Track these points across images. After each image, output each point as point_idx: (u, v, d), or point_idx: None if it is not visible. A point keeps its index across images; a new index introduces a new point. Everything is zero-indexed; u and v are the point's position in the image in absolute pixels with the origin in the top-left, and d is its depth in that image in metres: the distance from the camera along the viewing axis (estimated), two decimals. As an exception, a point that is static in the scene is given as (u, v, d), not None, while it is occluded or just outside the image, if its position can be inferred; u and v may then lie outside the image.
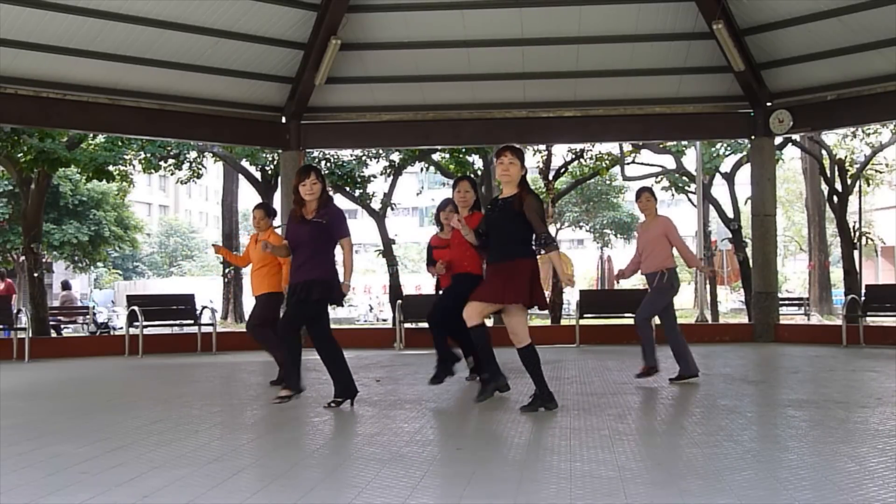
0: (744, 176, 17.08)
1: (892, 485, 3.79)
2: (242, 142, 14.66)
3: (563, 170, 20.51)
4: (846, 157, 21.48)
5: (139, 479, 4.04)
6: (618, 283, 8.25)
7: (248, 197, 30.38)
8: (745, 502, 3.55)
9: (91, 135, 15.56)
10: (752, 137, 13.13)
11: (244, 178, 20.50)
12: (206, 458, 4.58)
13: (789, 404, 6.37)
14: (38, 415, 6.38)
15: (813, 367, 9.13)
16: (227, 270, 24.96)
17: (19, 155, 14.92)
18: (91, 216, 27.56)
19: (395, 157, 18.73)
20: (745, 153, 18.60)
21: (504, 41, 12.36)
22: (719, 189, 22.49)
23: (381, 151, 18.57)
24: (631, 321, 13.43)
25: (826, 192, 21.73)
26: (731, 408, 6.22)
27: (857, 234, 22.06)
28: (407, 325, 12.56)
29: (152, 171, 19.23)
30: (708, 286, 22.02)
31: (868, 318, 12.79)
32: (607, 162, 20.64)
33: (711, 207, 21.17)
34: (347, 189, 18.83)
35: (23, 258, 17.74)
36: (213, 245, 9.06)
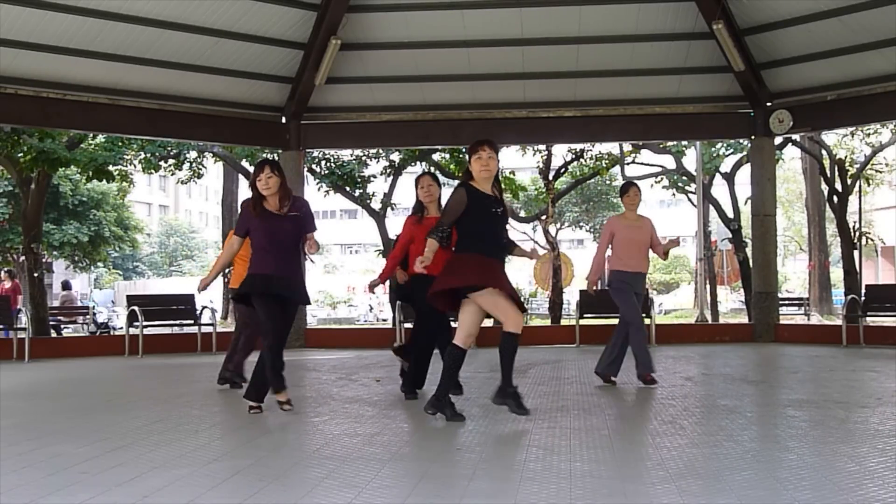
0: (744, 176, 17.07)
1: (892, 485, 3.79)
2: (242, 142, 14.66)
3: (563, 170, 20.50)
4: (846, 157, 21.48)
5: (139, 479, 4.04)
6: (594, 292, 8.05)
7: (247, 197, 30.41)
8: (745, 502, 3.55)
9: (91, 135, 15.56)
10: (752, 137, 13.13)
11: (244, 178, 20.48)
12: (206, 458, 4.58)
13: (789, 404, 6.37)
14: (38, 415, 6.38)
15: (813, 367, 9.13)
16: (227, 270, 24.95)
17: (19, 155, 14.92)
18: (91, 216, 27.56)
19: (395, 157, 18.73)
20: (745, 153, 18.60)
21: (504, 41, 12.36)
22: (719, 189, 22.49)
23: (381, 151, 18.57)
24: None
25: (826, 192, 21.72)
26: (731, 408, 6.22)
27: (857, 234, 22.05)
28: (407, 325, 12.55)
29: (152, 171, 19.22)
30: (708, 286, 22.03)
31: (868, 318, 12.80)
32: (607, 162, 20.64)
33: (711, 207, 21.16)
34: (347, 189, 18.83)
35: (23, 258, 17.72)
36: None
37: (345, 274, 53.90)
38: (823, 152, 20.96)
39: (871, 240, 27.22)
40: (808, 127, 13.65)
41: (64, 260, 29.72)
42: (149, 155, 18.05)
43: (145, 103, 11.95)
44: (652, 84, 12.89)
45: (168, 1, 10.92)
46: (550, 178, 19.26)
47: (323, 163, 18.55)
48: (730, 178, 20.62)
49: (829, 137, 22.18)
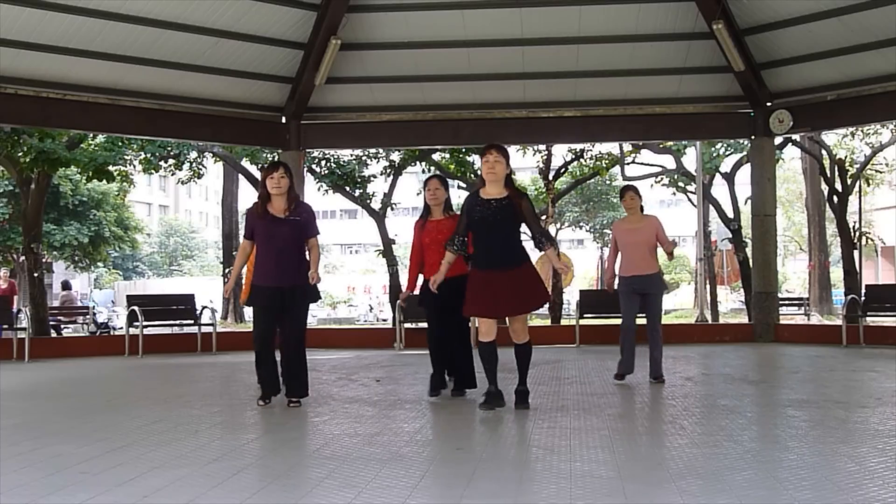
0: (744, 176, 17.07)
1: (892, 485, 3.79)
2: (242, 142, 14.66)
3: (563, 170, 20.51)
4: (846, 157, 21.48)
5: (139, 479, 4.04)
6: (612, 291, 8.06)
7: (248, 197, 30.40)
8: (745, 502, 3.55)
9: (91, 135, 15.55)
10: (752, 137, 13.12)
11: (244, 178, 20.52)
12: (206, 458, 4.58)
13: (789, 404, 6.37)
14: (38, 415, 6.38)
15: (813, 367, 9.13)
16: (227, 270, 24.95)
17: (19, 155, 14.92)
18: (91, 216, 27.57)
19: (395, 157, 18.73)
20: (745, 153, 18.60)
21: (504, 41, 12.35)
22: (719, 189, 22.49)
23: (381, 151, 18.57)
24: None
25: (826, 192, 21.73)
26: (731, 408, 6.22)
27: (857, 234, 22.06)
28: (407, 325, 12.56)
29: (152, 171, 19.23)
30: (708, 286, 22.03)
31: (868, 318, 12.79)
32: (607, 162, 20.65)
33: (711, 207, 21.17)
34: (347, 189, 18.83)
35: (23, 258, 17.73)
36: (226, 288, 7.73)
37: (345, 274, 53.92)
38: (823, 152, 20.97)
39: (871, 240, 27.25)
40: (808, 127, 13.64)
41: (64, 260, 29.72)
42: (149, 155, 18.06)
43: (145, 103, 11.95)
44: (652, 84, 12.88)
45: (168, 1, 10.92)
46: (550, 178, 19.26)
47: (323, 163, 18.55)
48: (730, 178, 20.62)
49: (829, 137, 22.19)
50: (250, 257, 6.50)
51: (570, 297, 23.91)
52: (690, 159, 20.80)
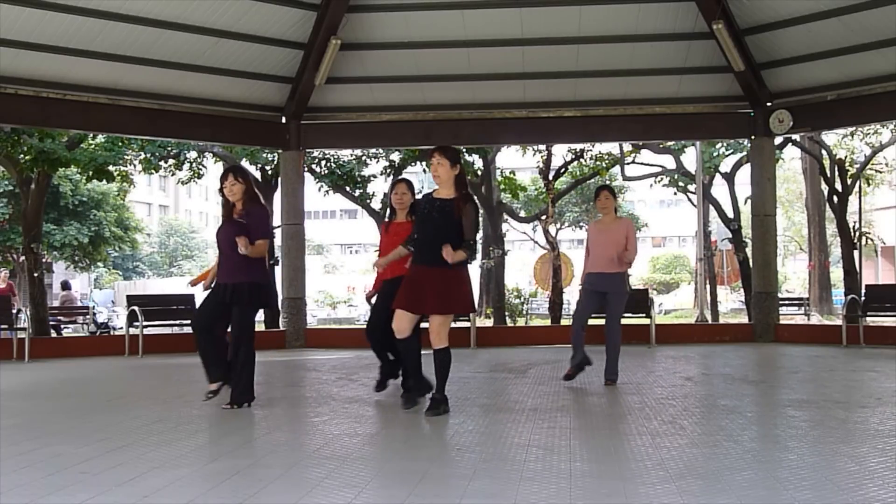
0: (744, 176, 17.06)
1: (892, 485, 3.79)
2: (242, 142, 14.65)
3: (563, 170, 20.51)
4: (846, 157, 21.48)
5: (139, 479, 4.04)
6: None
7: (248, 197, 30.38)
8: (745, 502, 3.55)
9: (91, 135, 15.55)
10: (752, 137, 13.12)
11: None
12: (206, 458, 4.58)
13: (789, 404, 6.38)
14: (38, 415, 6.38)
15: (813, 367, 9.13)
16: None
17: (19, 155, 14.92)
18: (91, 216, 27.56)
19: (395, 157, 18.73)
20: (745, 153, 18.60)
21: (504, 41, 12.35)
22: (719, 189, 22.49)
23: (380, 151, 18.57)
24: (631, 321, 13.52)
25: (826, 192, 21.73)
26: (731, 408, 6.22)
27: (857, 234, 22.06)
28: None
29: (152, 171, 19.23)
30: (708, 286, 22.04)
31: (868, 318, 12.79)
32: (607, 162, 20.65)
33: (711, 207, 21.17)
34: (347, 189, 18.83)
35: (23, 258, 17.73)
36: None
37: (345, 274, 53.90)
38: (823, 152, 20.97)
39: (871, 240, 27.25)
40: (808, 127, 13.64)
41: (64, 260, 29.73)
42: (149, 155, 18.05)
43: (145, 103, 11.95)
44: (652, 84, 12.88)
45: (168, 1, 10.92)
46: (550, 178, 19.26)
47: (323, 163, 18.55)
48: (730, 178, 20.63)
49: (829, 137, 22.19)
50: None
51: (570, 297, 23.91)
52: (690, 159, 20.81)
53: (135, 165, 18.95)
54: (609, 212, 7.68)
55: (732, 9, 11.76)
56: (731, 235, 20.04)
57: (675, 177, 22.17)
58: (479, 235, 31.48)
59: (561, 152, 20.43)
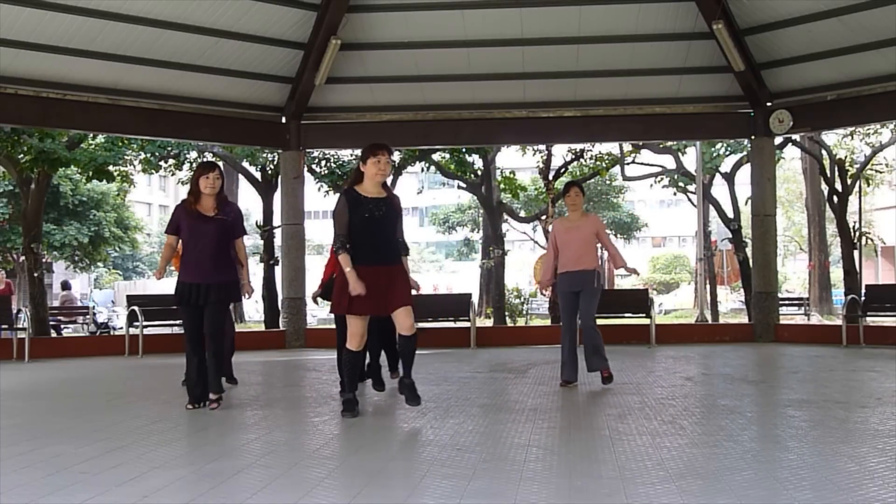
0: (744, 176, 17.07)
1: (892, 485, 3.79)
2: (242, 142, 14.65)
3: (563, 170, 20.51)
4: (846, 157, 21.47)
5: (139, 479, 4.04)
6: (544, 294, 7.86)
7: (248, 197, 30.41)
8: (745, 502, 3.55)
9: (91, 135, 15.55)
10: (752, 137, 13.12)
11: (244, 178, 20.51)
12: (206, 458, 4.58)
13: (789, 404, 6.38)
14: (38, 415, 6.38)
15: (813, 367, 9.13)
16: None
17: (19, 155, 14.92)
18: (91, 216, 27.56)
19: (396, 156, 18.72)
20: (745, 153, 18.60)
21: (504, 41, 12.35)
22: (719, 189, 22.48)
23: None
24: (631, 321, 13.53)
25: (826, 192, 21.72)
26: (731, 408, 6.22)
27: (857, 234, 22.04)
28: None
29: (152, 171, 19.23)
30: (708, 286, 22.04)
31: (868, 318, 12.79)
32: (607, 162, 20.65)
33: (711, 207, 21.16)
34: (348, 189, 18.77)
35: (23, 258, 17.73)
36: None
37: (345, 274, 53.62)
38: (823, 152, 20.96)
39: (871, 240, 27.22)
40: (808, 127, 13.64)
41: (64, 260, 29.74)
42: (149, 155, 18.06)
43: (145, 103, 11.95)
44: (652, 84, 12.88)
45: (168, 1, 10.92)
46: (550, 178, 19.26)
47: (323, 163, 18.55)
48: (730, 178, 20.62)
49: (829, 137, 22.18)
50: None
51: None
52: (690, 159, 20.80)
53: (135, 165, 18.95)
54: (578, 208, 7.62)
55: (732, 9, 11.76)
56: (731, 235, 20.03)
57: (675, 177, 22.16)
58: (479, 235, 31.42)
59: (561, 152, 20.44)
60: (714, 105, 13.11)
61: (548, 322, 18.80)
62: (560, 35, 12.21)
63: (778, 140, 15.24)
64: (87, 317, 20.12)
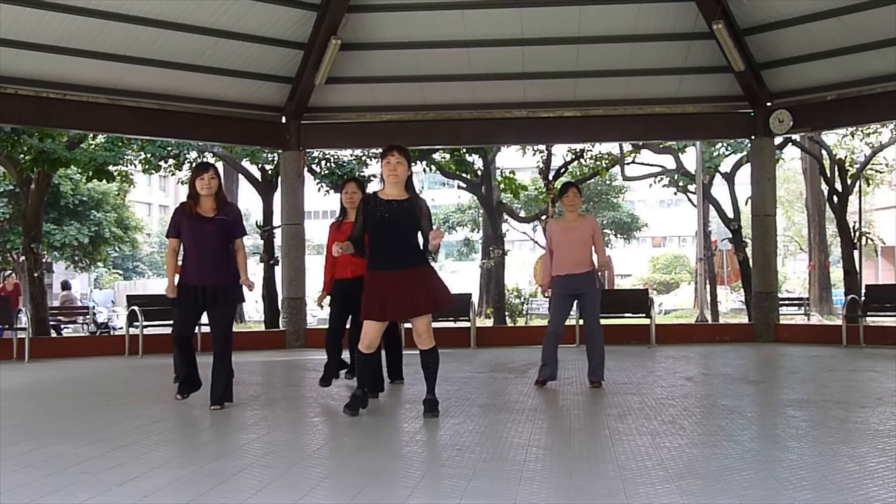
0: (744, 176, 17.06)
1: (892, 485, 3.79)
2: (242, 142, 14.65)
3: (563, 170, 20.51)
4: (846, 157, 21.46)
5: (139, 479, 4.04)
6: (546, 296, 7.84)
7: (248, 197, 30.39)
8: (745, 502, 3.55)
9: (91, 135, 15.55)
10: (752, 137, 13.12)
11: (244, 178, 20.52)
12: (206, 458, 4.58)
13: (789, 404, 6.38)
14: (38, 415, 6.38)
15: (813, 367, 9.13)
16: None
17: (19, 155, 14.91)
18: (91, 216, 27.56)
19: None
20: (745, 153, 18.59)
21: (504, 41, 12.35)
22: (719, 189, 22.48)
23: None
24: (631, 321, 13.54)
25: (826, 192, 21.70)
26: (731, 408, 6.22)
27: (857, 234, 22.02)
28: (407, 325, 12.54)
29: (152, 171, 19.22)
30: (708, 286, 22.03)
31: (868, 318, 12.79)
32: (607, 162, 20.64)
33: (711, 207, 21.16)
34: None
35: (23, 258, 17.73)
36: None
37: (345, 274, 53.68)
38: (823, 152, 20.96)
39: (871, 240, 27.20)
40: (808, 127, 13.64)
41: (64, 260, 29.74)
42: (149, 155, 18.05)
43: (145, 103, 11.95)
44: (652, 84, 12.88)
45: (168, 1, 10.92)
46: (550, 178, 19.26)
47: (323, 163, 18.54)
48: (730, 178, 20.62)
49: (829, 137, 22.17)
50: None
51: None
52: (690, 159, 20.80)
53: (135, 165, 18.94)
54: (575, 209, 7.60)
55: (732, 9, 11.76)
56: (731, 235, 20.03)
57: (675, 177, 22.16)
58: (479, 235, 31.42)
59: (561, 152, 20.44)
60: (714, 105, 13.11)
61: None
62: (560, 35, 12.21)
63: (778, 140, 15.23)
64: (87, 317, 20.12)
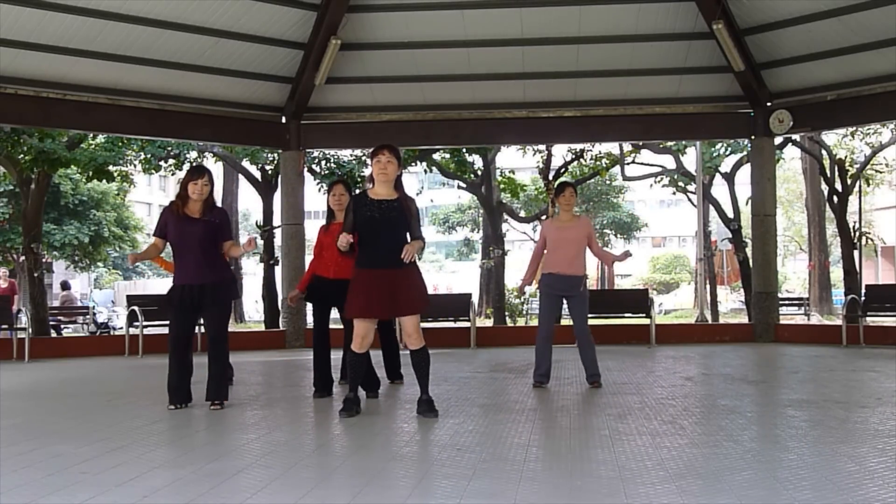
0: (744, 176, 17.06)
1: (892, 485, 3.79)
2: (242, 142, 14.65)
3: (563, 170, 20.51)
4: (846, 157, 21.46)
5: (139, 479, 4.04)
6: (522, 294, 7.80)
7: (248, 197, 30.40)
8: (745, 502, 3.55)
9: (91, 135, 15.55)
10: (752, 137, 13.12)
11: (244, 178, 20.53)
12: (205, 458, 4.58)
13: (789, 404, 6.38)
14: (38, 415, 6.38)
15: (813, 367, 9.13)
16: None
17: (19, 155, 14.91)
18: (91, 216, 27.56)
19: (396, 157, 18.71)
20: (745, 153, 18.60)
21: (504, 41, 12.35)
22: (719, 189, 22.48)
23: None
24: (631, 321, 13.54)
25: (826, 192, 21.71)
26: (731, 408, 6.22)
27: (857, 234, 22.02)
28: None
29: (152, 171, 19.22)
30: (708, 286, 22.03)
31: (868, 318, 12.79)
32: (607, 162, 20.64)
33: (711, 207, 21.16)
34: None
35: (23, 258, 17.73)
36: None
37: (345, 274, 53.63)
38: (823, 152, 20.96)
39: (871, 240, 27.22)
40: (808, 127, 13.64)
41: (64, 260, 29.75)
42: (149, 155, 18.06)
43: (145, 103, 11.95)
44: (652, 84, 12.88)
45: (168, 1, 10.92)
46: (550, 178, 19.26)
47: (323, 163, 18.54)
48: (730, 178, 20.62)
49: (829, 137, 22.17)
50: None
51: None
52: (690, 159, 20.80)
53: (135, 165, 18.94)
54: (571, 209, 7.61)
55: (732, 9, 11.76)
56: (731, 235, 20.03)
57: (675, 177, 22.16)
58: (479, 235, 31.40)
59: (561, 152, 20.44)
60: (714, 105, 13.11)
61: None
62: (560, 35, 12.21)
63: (778, 140, 15.24)
64: (87, 317, 20.12)
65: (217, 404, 6.28)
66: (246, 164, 18.61)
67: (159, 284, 40.36)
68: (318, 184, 18.81)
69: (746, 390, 7.38)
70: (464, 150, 17.86)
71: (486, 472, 4.13)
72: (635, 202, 48.10)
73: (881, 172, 23.90)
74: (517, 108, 13.18)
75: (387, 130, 13.40)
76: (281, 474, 4.14)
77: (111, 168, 16.72)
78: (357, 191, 6.64)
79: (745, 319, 19.72)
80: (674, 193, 24.45)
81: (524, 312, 23.81)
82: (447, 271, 50.51)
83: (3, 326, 11.57)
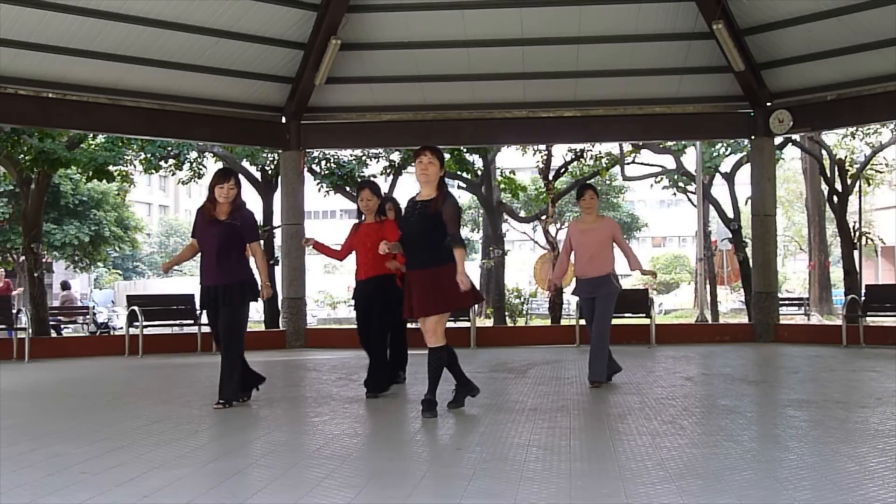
0: (744, 176, 17.06)
1: (892, 485, 3.79)
2: (242, 142, 14.65)
3: (563, 170, 20.49)
4: (846, 157, 21.46)
5: (139, 479, 4.04)
6: (552, 292, 7.87)
7: (248, 197, 30.37)
8: (745, 502, 3.55)
9: (91, 135, 15.55)
10: (752, 137, 13.12)
11: (244, 178, 20.56)
12: (206, 458, 4.58)
13: (789, 404, 6.38)
14: (38, 415, 6.38)
15: (813, 367, 9.13)
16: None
17: (19, 155, 14.91)
18: (91, 216, 27.56)
19: (396, 156, 18.72)
20: (745, 153, 18.60)
21: (504, 41, 12.36)
22: (719, 189, 22.48)
23: (381, 151, 18.55)
24: (631, 321, 13.53)
25: (826, 192, 21.71)
26: (731, 408, 6.22)
27: (857, 234, 22.02)
28: (408, 326, 12.54)
29: (152, 171, 19.21)
30: (708, 286, 22.03)
31: (868, 318, 12.79)
32: (607, 162, 20.63)
33: (711, 207, 21.16)
34: (347, 189, 18.81)
35: (23, 258, 17.73)
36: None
37: (345, 274, 53.82)
38: (823, 152, 20.96)
39: (871, 240, 27.21)
40: (808, 127, 13.63)
41: (64, 260, 29.74)
42: (149, 155, 18.04)
43: (145, 103, 11.95)
44: (652, 84, 12.88)
45: (168, 1, 10.92)
46: (550, 178, 19.25)
47: (323, 163, 18.53)
48: (730, 178, 20.62)
49: (829, 137, 22.17)
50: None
51: (570, 297, 23.88)
52: (690, 159, 20.80)
53: (135, 165, 18.93)
54: (593, 211, 7.62)
55: (732, 9, 11.76)
56: (731, 235, 20.03)
57: (675, 177, 22.16)
58: (479, 235, 31.38)
59: (561, 152, 20.42)
60: (714, 105, 13.11)
61: (548, 322, 18.80)
62: (560, 35, 12.22)
63: (778, 140, 15.24)
64: (87, 317, 20.11)
65: (220, 404, 6.28)
66: (246, 164, 18.60)
67: (159, 285, 40.39)
68: (317, 184, 18.81)
69: (746, 390, 7.38)
70: (464, 150, 17.84)
71: (486, 472, 4.13)
72: (635, 202, 48.11)
73: (881, 172, 23.89)
74: (517, 108, 13.18)
75: (387, 130, 13.43)
76: (281, 474, 4.14)
77: (111, 168, 16.71)
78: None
79: (745, 319, 19.72)
80: (674, 193, 24.43)
81: (524, 312, 23.82)
82: (447, 271, 50.38)
83: (3, 326, 11.57)
